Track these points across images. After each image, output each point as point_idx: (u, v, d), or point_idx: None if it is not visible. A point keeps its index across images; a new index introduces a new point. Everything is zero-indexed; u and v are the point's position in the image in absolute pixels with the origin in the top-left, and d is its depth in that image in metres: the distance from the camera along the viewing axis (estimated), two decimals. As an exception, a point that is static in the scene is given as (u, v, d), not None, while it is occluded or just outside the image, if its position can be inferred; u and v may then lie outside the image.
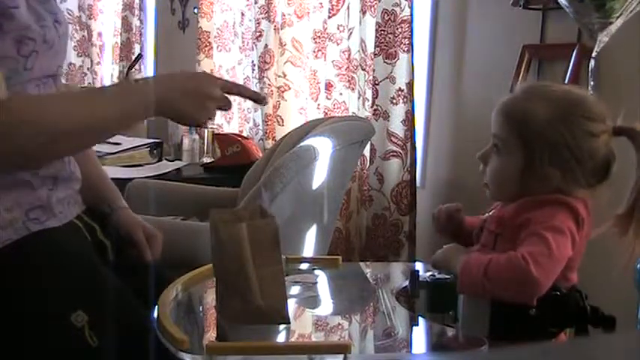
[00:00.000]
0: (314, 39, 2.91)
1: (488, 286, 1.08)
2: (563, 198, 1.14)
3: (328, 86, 2.87)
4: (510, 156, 1.18)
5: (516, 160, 1.17)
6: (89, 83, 4.67)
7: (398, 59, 2.68)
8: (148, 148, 3.18)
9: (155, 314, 1.08)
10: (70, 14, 4.69)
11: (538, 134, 1.15)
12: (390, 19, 2.68)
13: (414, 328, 1.24)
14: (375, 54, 2.73)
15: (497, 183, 1.21)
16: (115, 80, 4.72)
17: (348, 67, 2.83)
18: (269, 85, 3.06)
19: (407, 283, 1.28)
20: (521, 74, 2.27)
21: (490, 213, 1.24)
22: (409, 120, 2.71)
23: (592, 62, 1.79)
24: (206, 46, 3.48)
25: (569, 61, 2.08)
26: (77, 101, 1.23)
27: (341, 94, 2.85)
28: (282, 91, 2.97)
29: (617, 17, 1.68)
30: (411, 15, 2.67)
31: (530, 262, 1.06)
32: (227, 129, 3.47)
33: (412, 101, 2.71)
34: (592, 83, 1.78)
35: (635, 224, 1.13)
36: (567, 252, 1.10)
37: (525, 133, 1.16)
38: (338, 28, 2.83)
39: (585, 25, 1.78)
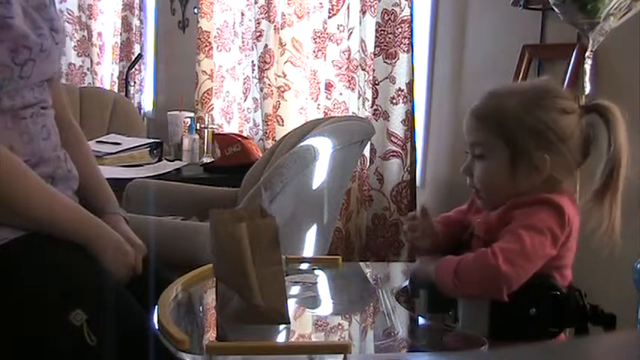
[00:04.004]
0: (314, 39, 2.91)
1: (459, 284, 1.09)
2: (547, 197, 1.14)
3: (328, 86, 2.87)
4: (496, 157, 1.18)
5: (503, 158, 1.17)
6: (89, 83, 4.66)
7: (398, 59, 2.68)
8: (148, 148, 3.18)
9: (155, 314, 1.08)
10: (70, 14, 4.68)
11: (517, 124, 1.16)
12: (390, 19, 2.68)
13: (414, 328, 1.24)
14: (375, 54, 2.72)
15: (490, 188, 1.20)
16: (115, 80, 4.73)
17: (348, 67, 2.82)
18: (269, 85, 3.06)
19: (407, 283, 1.28)
20: (521, 74, 2.27)
21: (478, 219, 1.23)
22: (409, 120, 2.71)
23: (587, 61, 1.78)
24: (206, 46, 3.48)
25: (569, 61, 2.08)
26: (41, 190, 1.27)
27: (341, 94, 2.84)
28: (282, 91, 2.97)
29: (606, 16, 1.67)
30: (411, 15, 2.67)
31: (500, 257, 1.07)
32: (227, 129, 3.47)
33: (412, 101, 2.71)
34: (588, 82, 1.77)
35: (610, 194, 1.14)
36: (545, 251, 1.10)
37: (504, 128, 1.17)
38: (338, 28, 2.82)
39: (575, 25, 1.77)
